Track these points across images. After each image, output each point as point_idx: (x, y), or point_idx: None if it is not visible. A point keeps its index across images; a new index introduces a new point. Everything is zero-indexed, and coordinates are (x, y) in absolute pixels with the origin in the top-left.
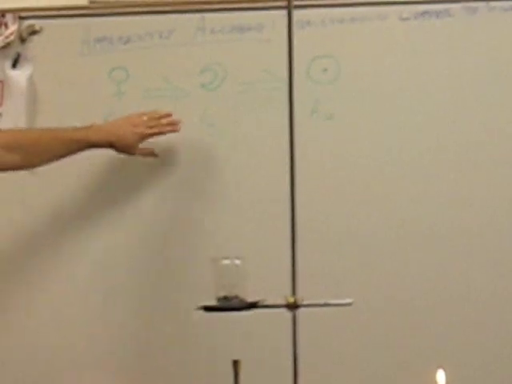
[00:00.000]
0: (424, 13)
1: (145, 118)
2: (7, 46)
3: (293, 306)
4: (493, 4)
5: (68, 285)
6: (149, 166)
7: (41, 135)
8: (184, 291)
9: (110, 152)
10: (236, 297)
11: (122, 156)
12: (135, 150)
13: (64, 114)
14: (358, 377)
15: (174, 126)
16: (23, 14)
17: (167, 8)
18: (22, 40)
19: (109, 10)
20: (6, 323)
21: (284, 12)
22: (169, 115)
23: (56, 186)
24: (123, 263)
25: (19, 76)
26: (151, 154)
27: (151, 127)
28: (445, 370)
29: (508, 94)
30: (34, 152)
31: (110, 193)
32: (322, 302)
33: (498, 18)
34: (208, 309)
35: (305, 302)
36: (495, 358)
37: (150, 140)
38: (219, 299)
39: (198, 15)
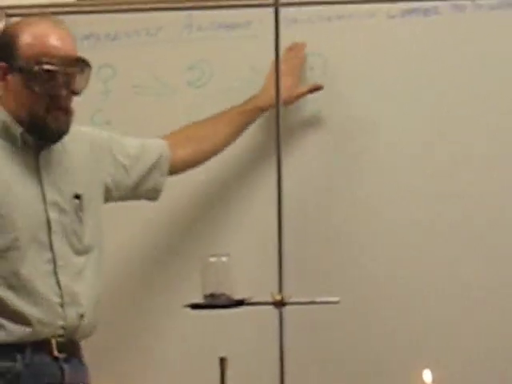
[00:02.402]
0: (411, 11)
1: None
2: None
3: (280, 304)
4: (480, 2)
5: None
6: None
7: (204, 121)
8: (172, 289)
9: None
10: (223, 294)
11: None
12: (298, 93)
13: None
14: (344, 375)
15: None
16: (10, 12)
17: (154, 5)
18: None
19: (96, 8)
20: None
21: (271, 10)
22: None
23: None
24: (116, 264)
25: None
26: (316, 87)
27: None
28: (431, 370)
29: (495, 91)
30: (202, 138)
31: None
32: (308, 299)
33: (485, 16)
34: (195, 306)
35: (292, 300)
36: (482, 357)
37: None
38: (206, 297)
39: (185, 12)
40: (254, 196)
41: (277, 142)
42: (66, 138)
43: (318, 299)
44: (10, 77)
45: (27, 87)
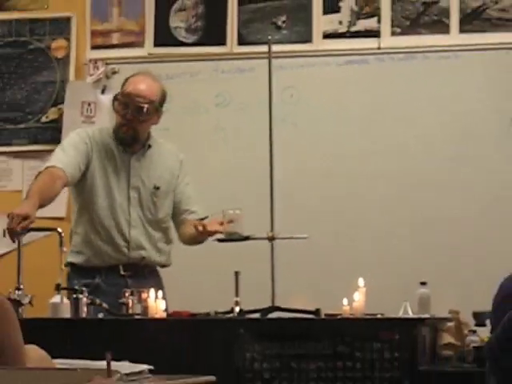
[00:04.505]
0: (351, 61)
1: None
2: (98, 80)
3: (271, 239)
4: (393, 56)
5: None
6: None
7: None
8: None
9: None
10: (236, 233)
11: None
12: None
13: None
14: (313, 282)
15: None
16: (108, 61)
17: (194, 57)
18: (107, 77)
19: (161, 58)
20: None
21: (266, 60)
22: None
23: None
24: None
25: (106, 100)
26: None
27: None
28: (363, 277)
29: (406, 116)
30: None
31: None
32: (287, 236)
33: (397, 65)
34: (220, 240)
35: (279, 236)
36: (401, 270)
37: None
38: (226, 234)
39: (213, 62)
40: (255, 172)
41: (270, 140)
42: (162, 150)
43: (294, 236)
44: None
45: (115, 110)
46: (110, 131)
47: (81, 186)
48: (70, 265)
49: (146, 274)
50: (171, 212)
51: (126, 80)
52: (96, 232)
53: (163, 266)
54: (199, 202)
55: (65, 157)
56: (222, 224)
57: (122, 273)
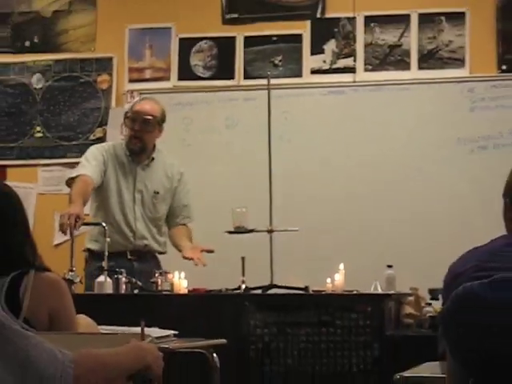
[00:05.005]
0: (331, 92)
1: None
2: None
3: (270, 231)
4: (367, 87)
5: None
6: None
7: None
8: (216, 223)
9: None
10: (243, 227)
11: None
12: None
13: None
14: (305, 265)
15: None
16: (142, 92)
17: (209, 89)
18: None
19: (183, 89)
20: None
21: (266, 91)
22: None
23: None
24: None
25: None
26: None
27: None
28: (344, 262)
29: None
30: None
31: None
32: (283, 229)
33: (368, 94)
34: (230, 232)
35: (277, 229)
36: (372, 255)
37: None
38: (234, 228)
39: (224, 93)
40: (258, 177)
41: (269, 154)
42: (164, 163)
43: (288, 228)
44: None
45: (125, 125)
46: (123, 145)
47: (98, 189)
48: (88, 250)
49: (148, 258)
50: (166, 213)
51: (135, 103)
52: (108, 224)
53: (160, 253)
54: (193, 210)
55: (90, 167)
56: (201, 251)
57: (129, 257)
